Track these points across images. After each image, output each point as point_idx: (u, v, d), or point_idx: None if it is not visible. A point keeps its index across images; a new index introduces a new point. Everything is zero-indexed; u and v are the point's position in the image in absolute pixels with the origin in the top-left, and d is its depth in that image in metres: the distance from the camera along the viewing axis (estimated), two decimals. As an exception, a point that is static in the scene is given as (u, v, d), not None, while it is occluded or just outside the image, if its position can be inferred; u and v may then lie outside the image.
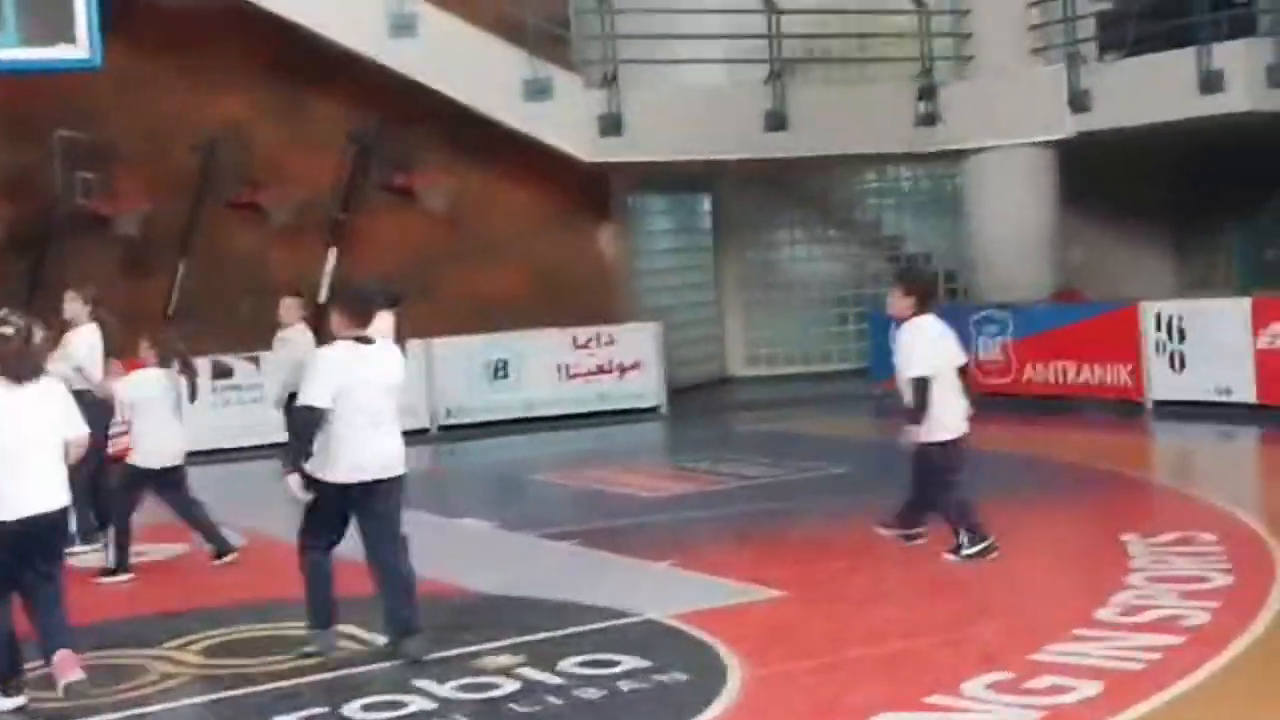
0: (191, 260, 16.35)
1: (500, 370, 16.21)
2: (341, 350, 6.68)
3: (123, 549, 9.08)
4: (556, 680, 6.21)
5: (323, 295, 16.43)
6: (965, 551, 8.12)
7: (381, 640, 6.84)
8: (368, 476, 6.58)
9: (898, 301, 8.28)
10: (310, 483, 6.57)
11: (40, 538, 6.24)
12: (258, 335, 12.69)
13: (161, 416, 9.20)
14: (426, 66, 15.89)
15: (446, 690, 6.14)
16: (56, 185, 15.99)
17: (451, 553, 9.31)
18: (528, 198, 17.50)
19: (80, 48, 10.30)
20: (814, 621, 7.18)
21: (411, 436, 13.74)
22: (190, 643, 7.20)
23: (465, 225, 17.16)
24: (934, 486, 8.23)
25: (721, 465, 12.62)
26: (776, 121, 16.96)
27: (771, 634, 6.93)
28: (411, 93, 16.15)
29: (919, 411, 8.05)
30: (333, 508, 6.61)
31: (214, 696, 6.40)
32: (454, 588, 8.21)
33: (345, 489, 6.57)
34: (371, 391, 6.63)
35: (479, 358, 16.15)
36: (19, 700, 6.28)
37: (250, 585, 7.70)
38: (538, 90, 16.30)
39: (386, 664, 6.62)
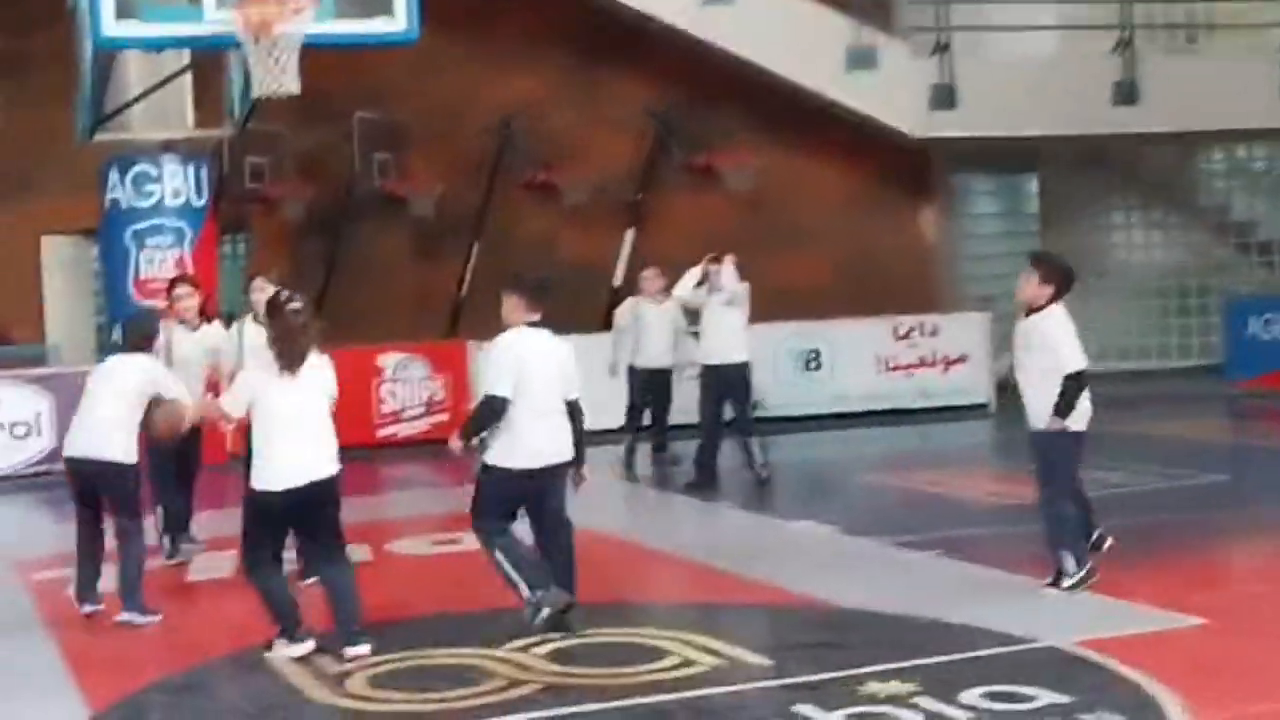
0: (483, 241, 15.91)
1: (812, 361, 15.22)
2: (519, 338, 6.81)
3: None
4: (963, 715, 5.42)
5: (618, 279, 15.96)
6: (1068, 583, 7.25)
7: (749, 655, 6.38)
8: (541, 463, 6.71)
9: (1034, 288, 7.31)
10: (485, 469, 6.79)
11: (306, 508, 6.42)
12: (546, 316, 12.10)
13: None
14: (740, 36, 15.18)
15: (836, 719, 5.45)
16: (353, 166, 15.91)
17: (799, 560, 8.71)
18: (839, 176, 16.68)
19: (398, 20, 9.85)
20: (1251, 656, 6.27)
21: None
22: (532, 645, 6.56)
23: (769, 206, 16.42)
24: (1061, 479, 7.39)
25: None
26: (1126, 94, 15.68)
27: (1203, 669, 6.04)
28: (714, 67, 15.51)
29: (1070, 408, 7.19)
30: (506, 493, 6.75)
31: (568, 710, 5.74)
32: (811, 599, 7.55)
33: (517, 475, 6.70)
34: (543, 381, 6.74)
35: (788, 347, 15.19)
36: (308, 645, 6.47)
37: (588, 586, 6.91)
38: (861, 60, 15.23)
39: (758, 684, 6.05)
